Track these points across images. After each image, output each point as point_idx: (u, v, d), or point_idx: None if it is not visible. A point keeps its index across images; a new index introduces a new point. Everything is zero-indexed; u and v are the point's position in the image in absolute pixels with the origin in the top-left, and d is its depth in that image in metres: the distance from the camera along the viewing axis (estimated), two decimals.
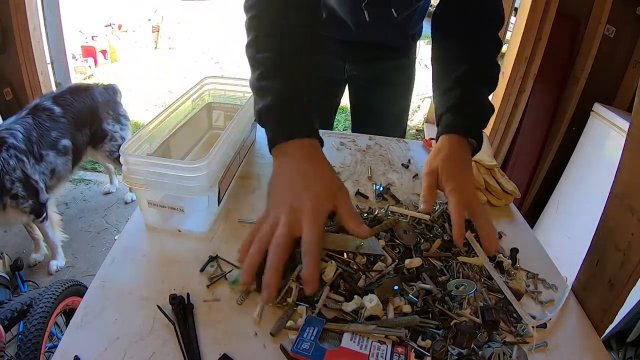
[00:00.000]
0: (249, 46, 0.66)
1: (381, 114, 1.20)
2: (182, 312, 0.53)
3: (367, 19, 0.92)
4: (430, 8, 1.09)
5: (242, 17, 0.72)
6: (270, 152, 0.61)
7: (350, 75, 1.15)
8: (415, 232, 0.69)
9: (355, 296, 0.54)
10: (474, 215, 0.62)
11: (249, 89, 0.66)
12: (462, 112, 0.70)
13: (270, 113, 0.59)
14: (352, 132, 1.26)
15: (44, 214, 1.69)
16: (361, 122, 1.26)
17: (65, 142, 1.76)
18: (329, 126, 1.29)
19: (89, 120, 1.91)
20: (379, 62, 1.12)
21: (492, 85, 0.77)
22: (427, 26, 1.02)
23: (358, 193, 0.81)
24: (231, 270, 0.62)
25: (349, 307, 0.53)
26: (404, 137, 1.23)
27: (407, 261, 0.60)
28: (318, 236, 0.51)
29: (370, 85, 1.16)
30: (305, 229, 0.51)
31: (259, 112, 0.61)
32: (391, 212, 0.73)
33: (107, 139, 2.01)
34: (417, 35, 1.14)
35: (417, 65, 1.23)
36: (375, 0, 0.89)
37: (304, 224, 0.52)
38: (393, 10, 0.89)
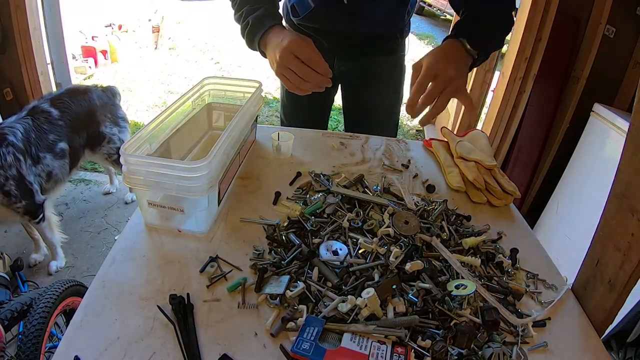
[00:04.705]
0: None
1: (372, 110, 1.21)
2: (182, 312, 0.53)
3: (344, 2, 0.94)
4: (421, 4, 1.11)
5: None
6: (260, 50, 0.88)
7: (340, 72, 1.16)
8: (417, 220, 0.70)
9: (349, 296, 0.54)
10: (455, 92, 0.74)
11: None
12: (466, 24, 0.82)
13: (249, 28, 0.87)
14: (345, 129, 1.26)
15: (40, 216, 1.68)
16: (353, 119, 1.27)
17: (63, 145, 1.75)
18: (323, 125, 1.30)
19: (87, 123, 1.90)
20: (367, 57, 1.14)
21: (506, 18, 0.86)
22: (417, 24, 1.04)
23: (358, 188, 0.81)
24: (231, 271, 0.62)
25: (344, 307, 0.53)
26: (396, 133, 1.24)
27: (408, 265, 0.60)
28: (307, 51, 0.78)
29: (360, 81, 1.17)
30: (298, 52, 0.78)
31: (243, 30, 0.89)
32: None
33: (104, 142, 2.00)
34: (406, 31, 1.15)
35: (408, 63, 1.24)
36: None
37: (295, 52, 0.77)
38: None
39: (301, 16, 1.04)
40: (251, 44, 0.89)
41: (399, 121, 1.30)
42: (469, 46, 0.77)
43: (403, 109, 1.25)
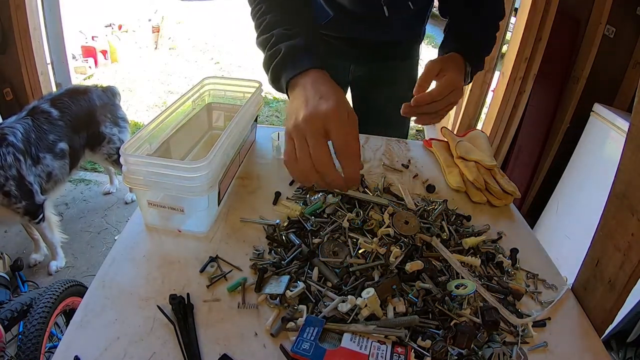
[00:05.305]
0: (254, 17, 0.72)
1: (384, 115, 1.20)
2: (182, 312, 0.53)
3: (386, 14, 0.92)
4: (434, 10, 1.11)
5: (241, 17, 0.76)
6: (286, 92, 0.64)
7: (355, 77, 1.15)
8: (417, 220, 0.70)
9: (349, 296, 0.54)
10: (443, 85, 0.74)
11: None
12: (459, 40, 0.83)
13: (279, 58, 0.64)
14: None
15: (40, 216, 1.68)
16: (364, 123, 1.25)
17: (63, 145, 1.75)
18: None
19: (87, 123, 1.91)
20: (384, 62, 1.13)
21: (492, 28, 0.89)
22: (429, 28, 1.04)
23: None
24: (231, 271, 0.62)
25: (344, 307, 0.53)
26: (406, 137, 1.23)
27: (408, 265, 0.60)
28: (348, 134, 0.52)
29: (375, 85, 1.16)
30: (334, 131, 0.52)
31: (269, 60, 0.65)
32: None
33: (105, 142, 2.01)
34: (421, 37, 1.14)
35: (421, 67, 1.23)
36: None
37: (330, 126, 0.52)
38: (409, 2, 0.92)
39: (320, 24, 1.02)
40: (276, 80, 0.65)
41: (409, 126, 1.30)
42: (468, 69, 0.81)
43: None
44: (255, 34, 0.72)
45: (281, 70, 0.63)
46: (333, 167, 0.53)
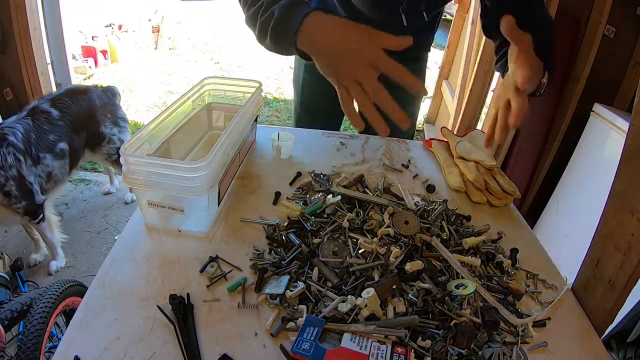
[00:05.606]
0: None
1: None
2: (182, 312, 0.53)
3: (404, 23, 0.92)
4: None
5: (241, 17, 0.77)
6: (298, 52, 0.62)
7: None
8: (417, 220, 0.70)
9: (349, 296, 0.54)
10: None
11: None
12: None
13: (276, 18, 0.62)
14: None
15: (40, 216, 1.68)
16: (369, 126, 1.25)
17: (63, 145, 1.75)
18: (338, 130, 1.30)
19: (87, 123, 1.90)
20: None
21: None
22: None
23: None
24: (231, 271, 0.62)
25: (344, 307, 0.53)
26: (411, 139, 1.24)
27: (408, 265, 0.60)
28: (390, 61, 0.60)
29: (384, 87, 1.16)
30: (380, 62, 0.59)
31: (265, 23, 0.64)
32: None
33: (105, 142, 2.00)
34: (431, 42, 1.15)
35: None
36: (410, 4, 0.91)
37: (375, 60, 0.59)
38: (424, 13, 0.93)
39: None
40: (280, 42, 0.63)
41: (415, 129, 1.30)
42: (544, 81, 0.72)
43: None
44: (246, 22, 0.70)
45: (284, 27, 0.61)
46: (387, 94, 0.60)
